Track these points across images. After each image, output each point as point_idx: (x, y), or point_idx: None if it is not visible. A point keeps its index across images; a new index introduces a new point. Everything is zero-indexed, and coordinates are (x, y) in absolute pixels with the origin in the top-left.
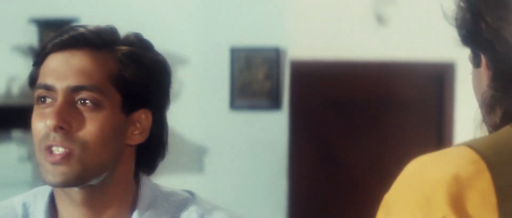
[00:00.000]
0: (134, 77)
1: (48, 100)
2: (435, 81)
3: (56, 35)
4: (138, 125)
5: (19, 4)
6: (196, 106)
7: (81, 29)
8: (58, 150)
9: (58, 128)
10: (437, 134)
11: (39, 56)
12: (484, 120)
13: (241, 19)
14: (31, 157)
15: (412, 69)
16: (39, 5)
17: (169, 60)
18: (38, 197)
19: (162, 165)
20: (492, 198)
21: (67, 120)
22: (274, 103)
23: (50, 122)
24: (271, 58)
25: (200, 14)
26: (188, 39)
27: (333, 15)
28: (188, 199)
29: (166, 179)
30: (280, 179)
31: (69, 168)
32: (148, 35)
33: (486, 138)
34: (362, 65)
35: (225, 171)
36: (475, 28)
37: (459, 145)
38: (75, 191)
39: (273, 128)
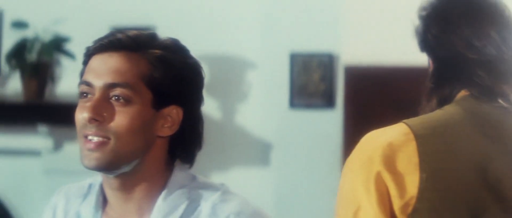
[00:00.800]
0: (164, 78)
1: (89, 95)
2: None
3: (99, 39)
4: (168, 119)
5: (100, 14)
6: (260, 105)
7: (119, 35)
8: (94, 139)
9: (92, 120)
10: None
11: (85, 57)
12: (423, 108)
13: (299, 28)
14: None
15: None
16: (119, 14)
17: (239, 65)
18: (99, 180)
19: (231, 159)
20: (415, 159)
21: (101, 113)
22: (328, 102)
23: (86, 115)
24: (325, 62)
25: (265, 24)
26: (254, 46)
27: (384, 24)
28: (214, 190)
29: (235, 171)
30: (334, 170)
31: (103, 154)
32: (219, 42)
33: (420, 117)
34: (412, 70)
35: (285, 164)
36: (425, 38)
37: (400, 122)
38: (112, 178)
39: (328, 125)
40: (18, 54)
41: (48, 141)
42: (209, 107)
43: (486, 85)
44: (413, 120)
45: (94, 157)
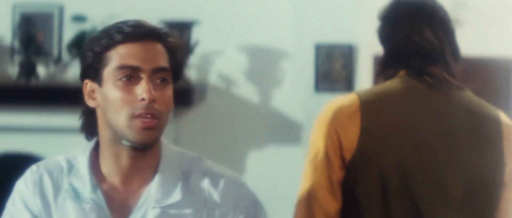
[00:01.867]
0: (180, 61)
1: (132, 78)
2: (503, 74)
3: (122, 29)
4: (173, 94)
5: (150, 9)
6: (291, 90)
7: (147, 25)
8: (149, 118)
9: (152, 101)
10: None
11: (107, 45)
12: (375, 82)
13: (323, 23)
14: None
15: (483, 64)
16: (167, 10)
17: (273, 55)
18: (79, 155)
19: (266, 137)
20: (358, 117)
21: (154, 95)
22: (348, 87)
23: (148, 95)
24: (346, 52)
25: (294, 21)
26: (286, 40)
27: None
28: (196, 158)
29: (270, 148)
30: None
31: (155, 132)
32: (255, 35)
33: (369, 88)
34: None
35: None
36: (380, 33)
37: (353, 93)
38: (127, 150)
39: None
40: (78, 44)
41: None
42: (249, 92)
43: (418, 67)
44: (362, 91)
45: (149, 135)
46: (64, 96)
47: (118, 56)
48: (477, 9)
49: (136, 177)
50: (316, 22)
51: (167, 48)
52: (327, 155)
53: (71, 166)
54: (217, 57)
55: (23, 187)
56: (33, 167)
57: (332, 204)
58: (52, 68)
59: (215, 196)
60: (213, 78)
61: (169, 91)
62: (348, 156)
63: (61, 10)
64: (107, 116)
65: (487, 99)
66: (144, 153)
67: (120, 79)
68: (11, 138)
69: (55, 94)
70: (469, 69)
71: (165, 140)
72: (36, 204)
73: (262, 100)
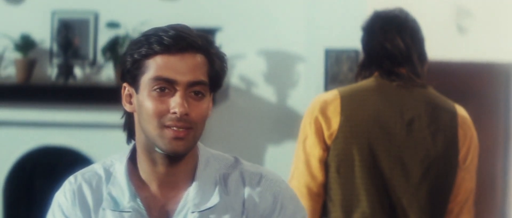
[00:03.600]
0: (218, 71)
1: (166, 90)
2: (504, 79)
3: (162, 39)
4: (210, 104)
5: (178, 16)
6: (304, 90)
7: (188, 36)
8: (181, 129)
9: (184, 115)
10: (505, 121)
11: (147, 54)
12: (355, 81)
13: (333, 29)
14: None
15: (486, 69)
16: (192, 17)
17: (289, 59)
18: (116, 162)
19: (282, 133)
20: (338, 109)
21: (188, 108)
22: None
23: (180, 109)
24: (352, 57)
25: (307, 28)
26: (299, 45)
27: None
28: (233, 160)
29: (286, 144)
30: None
31: (187, 142)
32: (273, 40)
33: (348, 86)
34: (445, 65)
35: None
36: (361, 40)
37: (335, 89)
38: (162, 157)
39: None
40: (111, 48)
41: None
42: (267, 92)
43: (388, 69)
44: (343, 88)
45: (181, 145)
46: (98, 95)
47: (155, 66)
48: (480, 16)
49: (173, 183)
50: (326, 30)
51: (208, 59)
52: (313, 139)
53: (109, 175)
54: (238, 60)
55: (63, 199)
56: (71, 178)
57: (318, 178)
58: (88, 70)
59: (254, 196)
60: (234, 80)
61: (204, 104)
62: (329, 140)
63: (96, 17)
64: (141, 122)
65: (489, 102)
66: (179, 160)
67: (155, 90)
68: (50, 133)
69: (90, 93)
70: (473, 74)
71: (202, 144)
72: (76, 215)
73: (278, 100)
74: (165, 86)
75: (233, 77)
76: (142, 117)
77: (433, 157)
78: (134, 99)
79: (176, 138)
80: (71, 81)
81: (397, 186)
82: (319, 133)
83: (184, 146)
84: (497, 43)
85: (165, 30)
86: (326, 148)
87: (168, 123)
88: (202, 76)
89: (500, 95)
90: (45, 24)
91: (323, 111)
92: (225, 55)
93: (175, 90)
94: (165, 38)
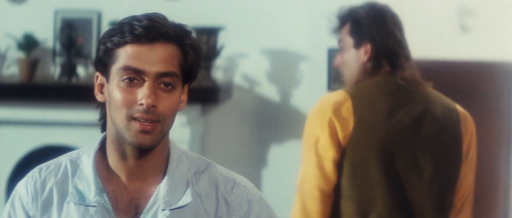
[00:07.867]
0: (192, 63)
1: (135, 80)
2: (507, 78)
3: (134, 28)
4: (183, 97)
5: (180, 16)
6: (307, 89)
7: (161, 26)
8: (147, 122)
9: (152, 107)
10: (508, 120)
11: (118, 43)
12: (358, 79)
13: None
14: (190, 123)
15: (489, 68)
16: (194, 16)
17: (292, 58)
18: (83, 155)
19: (285, 132)
20: (351, 110)
21: (155, 99)
22: None
23: (147, 101)
24: None
25: (310, 28)
26: (303, 44)
27: (423, 27)
28: (207, 162)
29: (289, 142)
30: None
31: (154, 135)
32: (277, 40)
33: (353, 86)
34: (448, 64)
35: None
36: (366, 32)
37: (341, 90)
38: (131, 149)
39: None
40: None
41: None
42: (270, 91)
43: (398, 63)
44: (349, 88)
45: (147, 138)
46: None
47: (125, 55)
48: (483, 16)
49: (143, 176)
50: (328, 30)
51: (181, 50)
52: (327, 141)
53: (75, 167)
54: (241, 59)
55: (24, 192)
56: (35, 170)
57: (332, 180)
58: (91, 69)
59: (229, 201)
60: (238, 79)
61: (174, 96)
62: (344, 141)
63: (99, 16)
64: (111, 113)
65: (492, 101)
66: (149, 153)
67: (123, 80)
68: (53, 132)
69: (92, 92)
70: (476, 73)
71: (174, 142)
72: (36, 211)
73: (282, 99)
74: (133, 76)
75: (237, 76)
76: (111, 107)
77: (442, 153)
78: (105, 89)
79: (143, 131)
80: (74, 80)
81: (412, 184)
82: (333, 134)
83: (150, 139)
84: (500, 42)
85: (139, 19)
86: (340, 150)
87: (136, 115)
88: (172, 68)
89: (503, 94)
90: (48, 24)
91: (337, 112)
92: (200, 47)
93: (144, 81)
94: (137, 27)
